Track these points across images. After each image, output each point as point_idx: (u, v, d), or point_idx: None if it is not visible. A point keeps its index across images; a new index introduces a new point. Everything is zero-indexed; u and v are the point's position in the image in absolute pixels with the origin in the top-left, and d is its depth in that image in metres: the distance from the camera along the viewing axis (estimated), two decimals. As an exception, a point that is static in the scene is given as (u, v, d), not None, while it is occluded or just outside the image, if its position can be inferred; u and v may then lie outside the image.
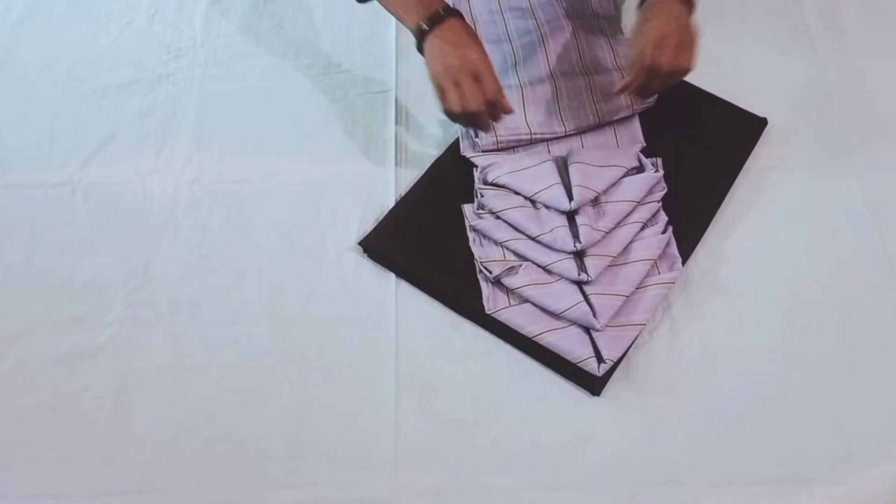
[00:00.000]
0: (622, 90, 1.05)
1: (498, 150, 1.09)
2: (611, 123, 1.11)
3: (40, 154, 1.12)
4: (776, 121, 1.12)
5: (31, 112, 1.17)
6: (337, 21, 1.26)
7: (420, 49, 1.01)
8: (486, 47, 1.08)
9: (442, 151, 1.10)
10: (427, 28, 0.99)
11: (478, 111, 0.98)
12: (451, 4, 1.19)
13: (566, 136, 1.10)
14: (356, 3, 1.12)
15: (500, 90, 0.99)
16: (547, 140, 1.10)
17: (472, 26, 1.08)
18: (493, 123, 1.03)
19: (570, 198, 1.00)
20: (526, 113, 1.11)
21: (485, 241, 1.01)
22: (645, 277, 0.97)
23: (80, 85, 1.19)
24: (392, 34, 1.23)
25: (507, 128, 1.08)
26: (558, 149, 1.09)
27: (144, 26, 1.26)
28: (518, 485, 0.86)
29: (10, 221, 1.06)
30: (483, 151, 1.08)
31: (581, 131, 1.11)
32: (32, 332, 0.97)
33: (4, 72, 1.21)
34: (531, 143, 1.10)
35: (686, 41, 1.00)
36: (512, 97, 1.11)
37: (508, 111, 1.01)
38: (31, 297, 1.00)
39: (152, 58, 1.22)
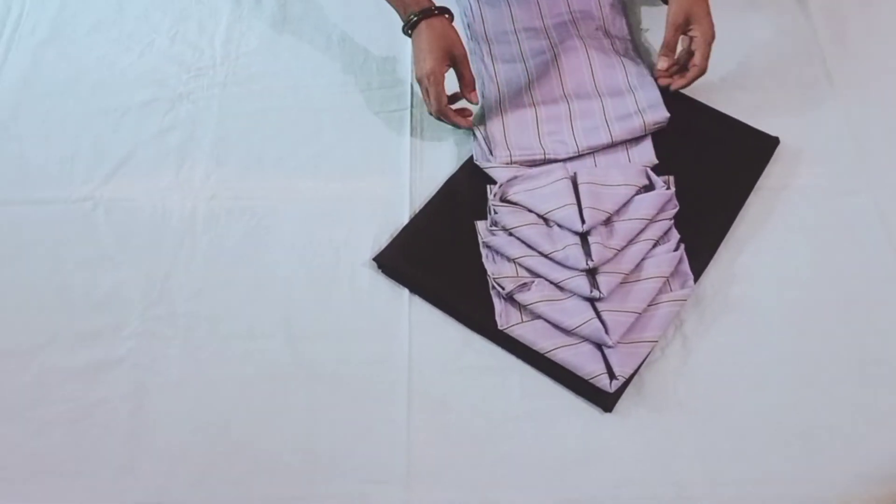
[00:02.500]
0: (663, 56, 1.15)
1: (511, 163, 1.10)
2: (624, 143, 1.12)
3: (63, 170, 1.14)
4: (788, 140, 1.12)
5: (55, 130, 1.19)
6: (354, 41, 1.28)
7: None
8: (500, 67, 1.10)
9: (456, 169, 1.11)
10: (409, 31, 1.11)
11: (437, 117, 1.12)
12: (465, 18, 1.22)
13: (579, 156, 1.11)
14: None
15: (442, 105, 1.09)
16: (561, 160, 1.11)
17: (484, 44, 1.13)
18: (508, 142, 1.10)
19: (583, 219, 1.01)
20: (540, 134, 1.12)
21: (498, 258, 1.02)
22: (657, 295, 0.97)
23: (101, 103, 1.22)
24: (408, 55, 1.24)
25: (521, 147, 1.10)
26: (572, 166, 1.10)
27: (166, 46, 1.29)
28: (529, 500, 0.87)
29: (32, 236, 1.08)
30: (493, 164, 1.10)
31: (594, 151, 1.11)
32: (52, 345, 0.98)
33: (29, 91, 1.24)
34: (545, 163, 1.10)
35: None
36: (526, 117, 1.13)
37: (466, 119, 1.12)
38: (51, 310, 1.01)
39: (173, 77, 1.24)
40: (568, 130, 1.13)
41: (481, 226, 1.05)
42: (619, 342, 0.93)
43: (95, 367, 0.96)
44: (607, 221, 1.03)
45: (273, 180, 1.13)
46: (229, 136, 1.17)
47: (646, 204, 1.04)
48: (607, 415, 0.92)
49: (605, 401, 0.92)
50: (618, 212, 1.04)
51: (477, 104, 1.13)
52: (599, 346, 0.93)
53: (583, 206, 1.02)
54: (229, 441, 0.91)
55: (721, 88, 1.18)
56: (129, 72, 1.26)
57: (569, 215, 1.02)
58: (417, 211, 1.07)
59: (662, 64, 1.15)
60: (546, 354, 0.93)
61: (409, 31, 1.12)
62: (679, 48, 1.16)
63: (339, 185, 1.12)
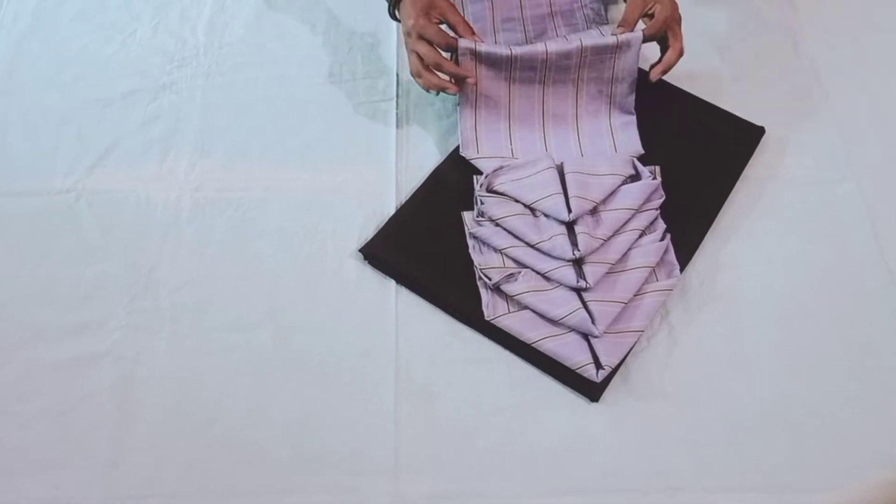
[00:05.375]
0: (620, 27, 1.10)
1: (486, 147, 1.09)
2: (610, 132, 1.12)
3: (45, 162, 1.13)
4: (774, 130, 1.13)
5: (37, 121, 1.18)
6: (339, 31, 1.27)
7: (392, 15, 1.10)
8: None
9: (442, 160, 1.11)
10: (394, 9, 1.08)
11: (427, 89, 1.07)
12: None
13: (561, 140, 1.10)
14: None
15: (432, 60, 1.04)
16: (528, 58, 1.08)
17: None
18: (478, 142, 1.09)
19: (569, 209, 1.01)
20: (511, 140, 1.13)
21: (484, 249, 1.02)
22: (643, 284, 0.97)
23: (84, 94, 1.20)
24: (393, 44, 1.24)
25: (491, 150, 1.10)
26: (558, 156, 1.10)
27: (148, 36, 1.27)
28: (517, 491, 0.87)
29: (14, 228, 1.07)
30: (478, 154, 1.09)
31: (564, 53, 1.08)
32: (37, 339, 0.97)
33: (10, 82, 1.22)
34: (510, 63, 1.08)
35: None
36: (499, 125, 1.13)
37: (461, 74, 1.06)
38: (35, 303, 1.00)
39: (156, 67, 1.23)
40: (541, 142, 1.12)
41: (468, 216, 1.05)
42: (605, 332, 0.93)
43: (81, 360, 0.96)
44: (594, 211, 1.03)
45: (258, 171, 1.12)
46: (214, 127, 1.16)
47: (632, 194, 1.04)
48: (594, 404, 0.92)
49: (591, 391, 0.92)
50: (604, 201, 1.04)
51: (476, 40, 1.07)
52: (586, 336, 0.93)
53: (569, 195, 1.02)
54: (216, 433, 0.91)
55: (707, 78, 1.18)
56: (112, 62, 1.24)
57: (555, 204, 1.02)
58: (404, 202, 1.07)
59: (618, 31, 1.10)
60: (533, 345, 0.93)
61: (395, 9, 1.09)
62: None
63: (324, 175, 1.12)
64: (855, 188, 1.08)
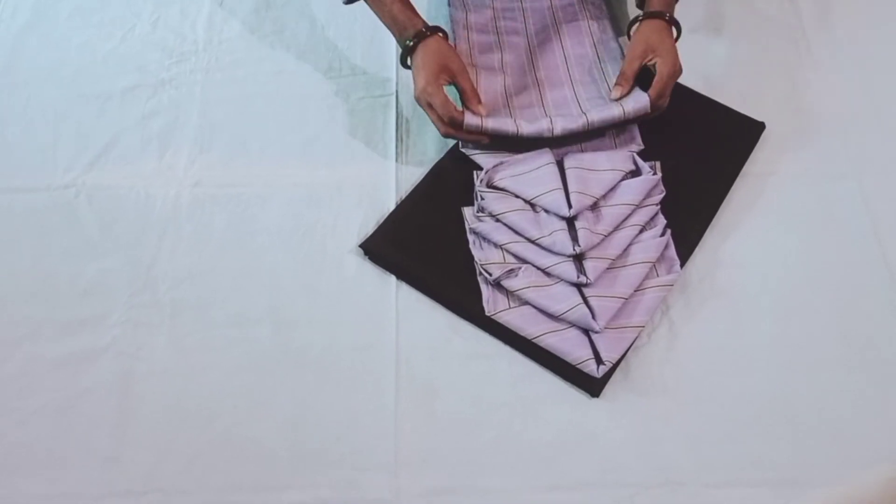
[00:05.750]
0: (617, 86, 1.09)
1: (490, 144, 1.08)
2: (610, 128, 1.11)
3: (45, 158, 1.13)
4: (774, 125, 1.13)
5: (36, 116, 1.18)
6: (338, 26, 1.27)
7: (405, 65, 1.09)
8: (475, 36, 1.15)
9: (442, 155, 1.11)
10: (409, 45, 1.07)
11: (446, 136, 1.07)
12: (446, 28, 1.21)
13: (564, 141, 1.10)
14: (343, 4, 1.15)
15: (446, 118, 1.04)
16: (534, 136, 1.07)
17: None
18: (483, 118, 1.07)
19: (570, 204, 1.01)
20: (511, 109, 1.13)
21: (485, 244, 1.02)
22: (643, 280, 0.97)
23: (83, 90, 1.20)
24: (392, 39, 1.24)
25: (494, 119, 1.07)
26: (558, 152, 1.09)
27: (147, 32, 1.27)
28: (518, 486, 0.87)
29: (14, 224, 1.07)
30: (478, 150, 1.09)
31: (571, 133, 1.07)
32: (37, 335, 0.97)
33: (9, 77, 1.22)
34: (517, 138, 1.07)
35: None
36: (497, 97, 1.13)
37: (479, 134, 1.06)
38: (35, 299, 1.00)
39: (155, 63, 1.23)
40: (541, 111, 1.12)
41: (468, 212, 1.04)
42: (606, 327, 0.93)
43: (81, 356, 0.96)
44: (594, 207, 1.03)
45: (258, 167, 1.12)
46: (213, 123, 1.16)
47: (632, 189, 1.04)
48: (595, 400, 0.92)
49: (592, 386, 0.92)
50: (604, 197, 1.04)
51: (484, 115, 1.06)
52: (586, 332, 0.93)
53: (569, 190, 1.02)
54: (216, 429, 0.91)
55: (707, 74, 1.18)
56: (111, 57, 1.24)
57: (556, 200, 1.02)
58: (404, 197, 1.07)
59: (615, 94, 1.09)
60: (533, 340, 0.93)
61: (408, 60, 1.08)
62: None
63: (324, 171, 1.11)
64: (855, 184, 1.08)
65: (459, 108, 1.06)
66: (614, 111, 1.06)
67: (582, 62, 1.18)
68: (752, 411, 0.91)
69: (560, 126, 1.06)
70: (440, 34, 1.09)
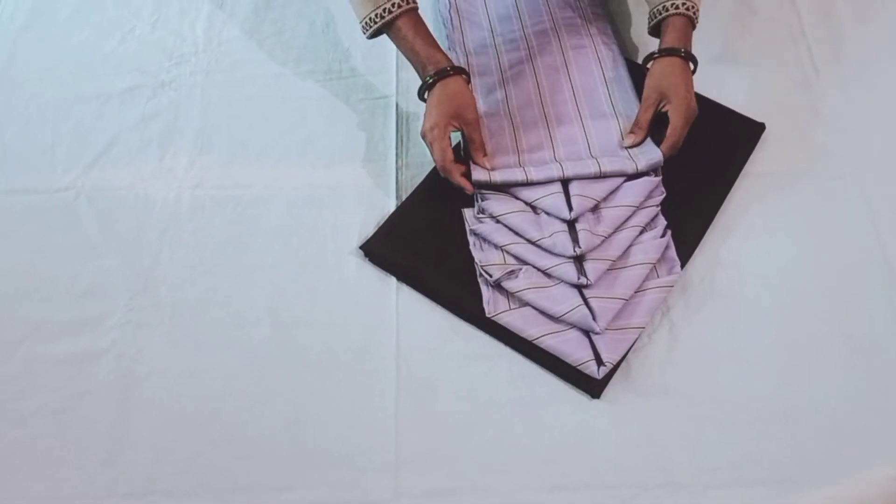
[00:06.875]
0: (630, 135, 1.08)
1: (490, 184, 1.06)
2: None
3: (44, 159, 1.13)
4: (774, 126, 1.13)
5: (35, 118, 1.18)
6: (338, 28, 1.27)
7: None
8: (478, 81, 1.13)
9: (442, 156, 1.11)
10: (429, 81, 1.05)
11: (442, 174, 1.05)
12: (445, 29, 1.20)
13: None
14: (366, 38, 1.11)
15: (445, 162, 1.03)
16: (544, 182, 1.06)
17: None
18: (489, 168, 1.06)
19: (570, 207, 1.01)
20: (519, 153, 1.10)
21: (485, 245, 1.02)
22: (644, 281, 0.97)
23: (83, 91, 1.20)
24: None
25: (502, 168, 1.07)
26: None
27: (147, 32, 1.27)
28: (518, 486, 0.87)
29: (14, 226, 1.07)
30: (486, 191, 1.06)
31: (580, 178, 1.05)
32: (36, 336, 0.97)
33: (8, 78, 1.22)
34: (528, 184, 1.05)
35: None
36: (505, 142, 1.11)
37: (466, 187, 1.04)
38: (35, 300, 1.00)
39: (154, 64, 1.23)
40: (550, 156, 1.09)
41: (468, 213, 1.04)
42: (606, 328, 0.93)
43: (80, 356, 0.96)
44: (595, 208, 1.03)
45: (258, 168, 1.12)
46: (213, 124, 1.16)
47: (633, 191, 1.04)
48: (595, 401, 0.92)
49: (592, 387, 0.92)
50: (605, 199, 1.04)
51: (489, 169, 1.05)
52: (587, 333, 0.93)
53: (570, 193, 1.02)
54: (216, 430, 0.91)
55: (707, 74, 1.18)
56: (111, 58, 1.24)
57: (556, 203, 1.02)
58: (404, 199, 1.07)
59: (627, 142, 1.08)
60: (534, 341, 0.93)
61: (425, 94, 1.07)
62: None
63: (324, 172, 1.11)
64: (855, 184, 1.08)
65: (462, 152, 1.06)
66: (627, 167, 1.05)
67: (591, 95, 1.15)
68: (753, 412, 0.91)
69: (571, 172, 1.04)
70: (463, 76, 1.07)
